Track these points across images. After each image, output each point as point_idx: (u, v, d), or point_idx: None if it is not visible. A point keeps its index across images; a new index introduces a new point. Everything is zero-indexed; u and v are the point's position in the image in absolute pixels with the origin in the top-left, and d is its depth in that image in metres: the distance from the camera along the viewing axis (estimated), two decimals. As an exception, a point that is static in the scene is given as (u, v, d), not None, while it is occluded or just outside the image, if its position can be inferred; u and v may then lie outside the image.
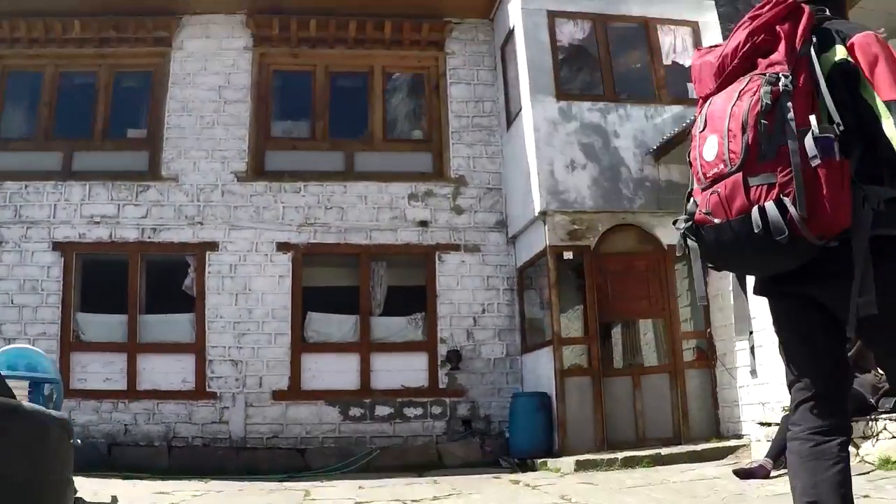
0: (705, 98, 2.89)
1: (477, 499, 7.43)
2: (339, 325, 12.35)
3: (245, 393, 11.82)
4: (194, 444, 11.56)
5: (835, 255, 2.58)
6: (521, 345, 12.56)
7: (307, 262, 12.44)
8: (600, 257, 11.49)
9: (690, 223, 2.81)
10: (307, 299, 12.28)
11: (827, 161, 2.54)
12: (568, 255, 11.36)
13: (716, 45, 3.00)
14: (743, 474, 7.62)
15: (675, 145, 11.15)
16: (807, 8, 2.75)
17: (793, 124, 2.57)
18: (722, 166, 2.68)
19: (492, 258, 12.76)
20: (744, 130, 2.62)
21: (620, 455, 9.77)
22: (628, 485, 7.93)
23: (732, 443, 10.40)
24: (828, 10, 2.86)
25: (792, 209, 2.50)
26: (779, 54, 2.70)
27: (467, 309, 12.52)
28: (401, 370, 12.20)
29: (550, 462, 10.20)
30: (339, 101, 13.37)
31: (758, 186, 2.59)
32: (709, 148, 2.74)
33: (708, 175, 2.75)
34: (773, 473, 7.58)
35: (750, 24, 2.80)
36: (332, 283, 12.80)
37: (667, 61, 12.21)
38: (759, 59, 2.75)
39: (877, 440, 7.39)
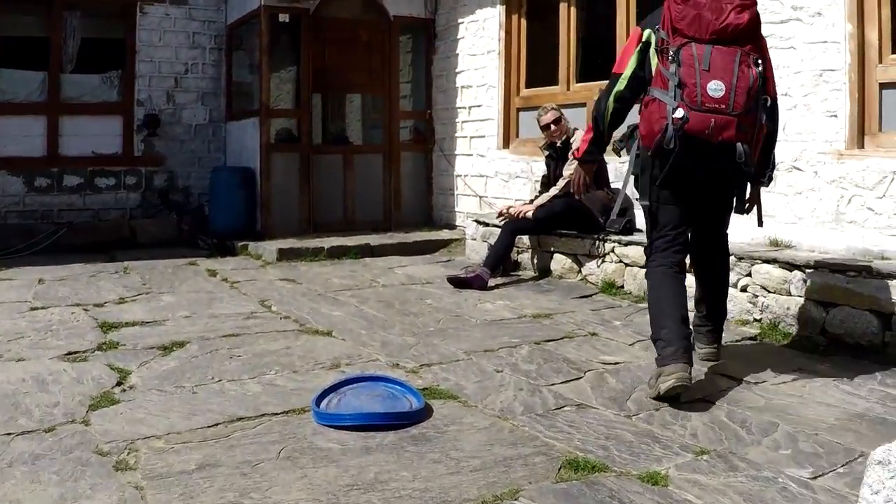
0: (692, 39, 4.12)
1: (168, 302, 6.57)
2: (25, 83, 10.42)
3: (-81, 164, 9.99)
4: None
5: (740, 171, 4.18)
6: (227, 111, 11.35)
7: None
8: (320, 22, 10.32)
9: (681, 129, 4.01)
10: (-10, 53, 10.33)
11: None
12: (284, 17, 10.09)
13: None
14: (458, 282, 7.29)
15: None
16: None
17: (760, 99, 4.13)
18: (723, 106, 3.99)
19: (200, 12, 11.16)
20: (748, 94, 4.03)
21: (327, 244, 9.17)
22: (335, 286, 7.38)
23: (445, 234, 10.13)
24: None
25: (746, 150, 4.06)
26: (756, 45, 4.24)
27: (169, 68, 11.03)
28: (93, 135, 10.65)
29: (252, 246, 9.42)
30: None
31: (740, 131, 4.03)
32: (715, 88, 4.00)
33: (706, 105, 4.00)
34: (490, 283, 7.33)
35: (741, 10, 4.17)
36: (17, 34, 10.71)
37: None
38: (745, 41, 4.16)
39: (602, 261, 7.22)
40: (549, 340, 5.35)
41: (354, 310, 6.34)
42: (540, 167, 8.60)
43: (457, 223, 10.50)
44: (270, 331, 5.57)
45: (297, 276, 7.98)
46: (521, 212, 7.65)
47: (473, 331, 5.64)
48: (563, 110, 7.93)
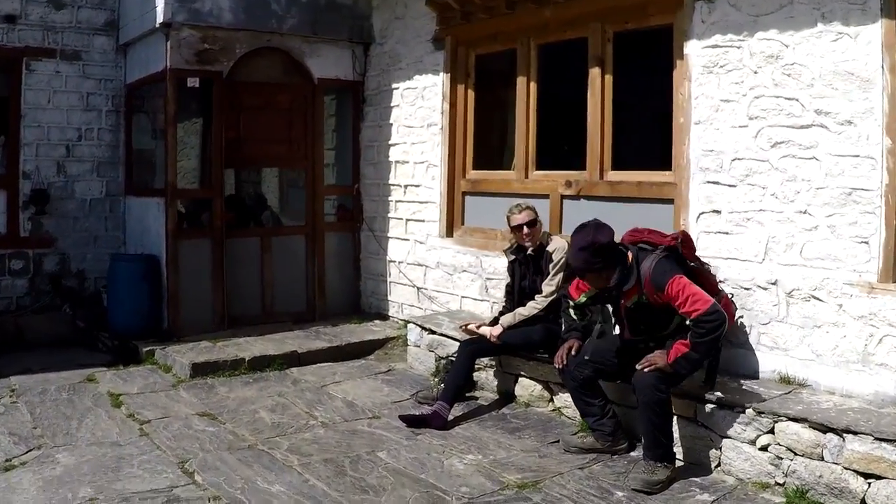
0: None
1: (66, 466, 5.25)
2: None
3: None
4: None
5: None
6: (126, 183, 9.98)
7: None
8: (234, 87, 9.07)
9: None
10: None
11: None
12: (193, 82, 8.78)
13: None
14: (413, 422, 6.20)
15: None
16: None
17: None
18: None
19: (96, 69, 9.78)
20: None
21: (247, 353, 7.95)
22: (265, 427, 6.20)
23: (378, 328, 9.12)
24: None
25: None
26: None
27: (60, 134, 9.60)
28: (-27, 214, 9.17)
29: (160, 354, 8.08)
30: None
31: None
32: None
33: None
34: (449, 417, 6.24)
35: None
36: None
37: None
38: None
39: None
40: (551, 540, 4.31)
41: (297, 480, 5.14)
42: (491, 263, 7.67)
43: (390, 313, 9.42)
44: (200, 533, 4.38)
45: (218, 406, 6.74)
46: (489, 335, 6.54)
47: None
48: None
